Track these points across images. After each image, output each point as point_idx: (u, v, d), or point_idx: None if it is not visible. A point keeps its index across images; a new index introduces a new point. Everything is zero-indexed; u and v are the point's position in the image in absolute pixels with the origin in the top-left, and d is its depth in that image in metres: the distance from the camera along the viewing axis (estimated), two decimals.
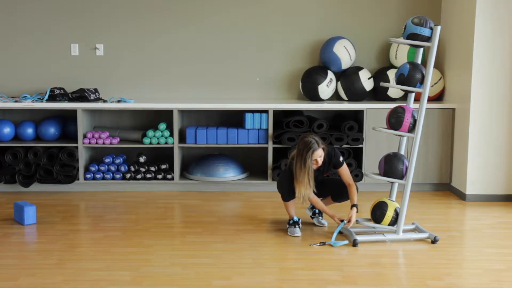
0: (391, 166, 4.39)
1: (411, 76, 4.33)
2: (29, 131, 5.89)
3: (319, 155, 4.40)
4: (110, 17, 6.18)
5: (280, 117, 5.99)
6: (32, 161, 5.75)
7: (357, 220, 4.52)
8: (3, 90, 6.17)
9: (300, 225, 4.62)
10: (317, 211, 4.84)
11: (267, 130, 5.83)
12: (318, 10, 6.22)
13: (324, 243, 4.32)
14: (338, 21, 6.23)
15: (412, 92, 4.48)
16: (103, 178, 5.83)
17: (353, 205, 4.50)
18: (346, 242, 4.35)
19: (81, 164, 5.80)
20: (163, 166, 5.88)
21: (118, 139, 5.95)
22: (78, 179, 5.82)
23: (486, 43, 5.38)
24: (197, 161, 6.02)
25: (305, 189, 4.40)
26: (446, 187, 5.97)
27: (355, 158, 5.95)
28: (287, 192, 4.53)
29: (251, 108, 5.82)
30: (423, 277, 3.74)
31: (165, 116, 5.98)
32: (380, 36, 6.23)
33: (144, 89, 6.26)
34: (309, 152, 4.36)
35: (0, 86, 6.19)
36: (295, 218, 4.60)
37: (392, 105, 4.70)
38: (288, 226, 4.61)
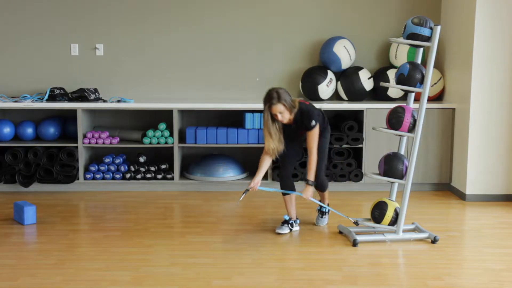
0: (391, 166, 4.39)
1: (411, 76, 4.33)
2: (29, 131, 5.90)
3: (278, 110, 4.26)
4: (110, 17, 6.18)
5: None
6: (32, 161, 5.75)
7: (357, 221, 4.51)
8: (3, 90, 6.17)
9: (292, 224, 4.59)
10: (318, 208, 4.83)
11: None
12: (318, 10, 6.22)
13: (247, 191, 4.38)
14: (338, 21, 6.23)
15: (412, 92, 4.48)
16: (103, 178, 5.83)
17: (307, 182, 4.40)
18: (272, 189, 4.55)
19: (81, 164, 5.81)
20: (163, 166, 5.88)
21: (118, 139, 5.95)
22: (78, 179, 5.82)
23: (486, 43, 5.38)
24: (197, 161, 6.02)
25: (269, 143, 4.34)
26: (446, 187, 5.97)
27: (355, 158, 5.95)
28: (282, 186, 4.56)
29: (251, 108, 5.82)
30: (423, 277, 3.74)
31: (165, 116, 5.98)
32: (380, 36, 6.23)
33: (144, 89, 6.26)
34: (266, 106, 4.29)
35: (0, 86, 6.19)
36: (285, 217, 4.59)
37: (392, 105, 4.70)
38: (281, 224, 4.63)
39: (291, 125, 4.41)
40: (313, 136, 4.39)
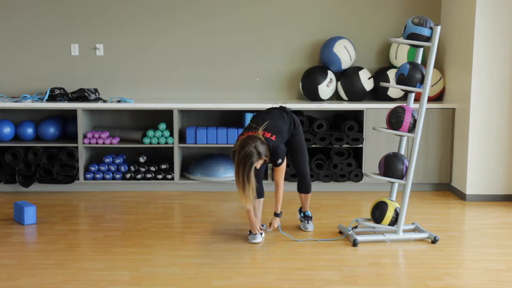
0: (391, 166, 4.39)
1: (411, 76, 4.33)
2: (29, 131, 5.90)
3: (258, 164, 4.12)
4: (110, 17, 6.18)
5: None
6: (32, 161, 5.75)
7: (357, 223, 4.49)
8: (3, 90, 6.17)
9: (262, 232, 4.46)
10: (301, 215, 4.76)
11: None
12: (318, 10, 6.22)
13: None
14: (338, 21, 6.23)
15: (412, 92, 4.48)
16: (103, 178, 5.83)
17: (276, 214, 4.48)
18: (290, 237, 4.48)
19: (81, 164, 5.81)
20: (163, 166, 5.88)
21: (118, 139, 5.95)
22: (78, 179, 5.82)
23: (486, 43, 5.38)
24: (197, 161, 6.02)
25: (247, 203, 4.11)
26: (446, 187, 5.97)
27: (355, 158, 5.95)
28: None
29: (251, 108, 5.82)
30: (423, 277, 3.74)
31: (165, 116, 5.98)
32: (380, 36, 6.24)
33: (144, 89, 6.26)
34: (247, 165, 4.01)
35: (0, 86, 6.19)
36: None
37: (392, 105, 4.71)
38: (249, 233, 4.44)
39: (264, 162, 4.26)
40: (280, 171, 4.33)
